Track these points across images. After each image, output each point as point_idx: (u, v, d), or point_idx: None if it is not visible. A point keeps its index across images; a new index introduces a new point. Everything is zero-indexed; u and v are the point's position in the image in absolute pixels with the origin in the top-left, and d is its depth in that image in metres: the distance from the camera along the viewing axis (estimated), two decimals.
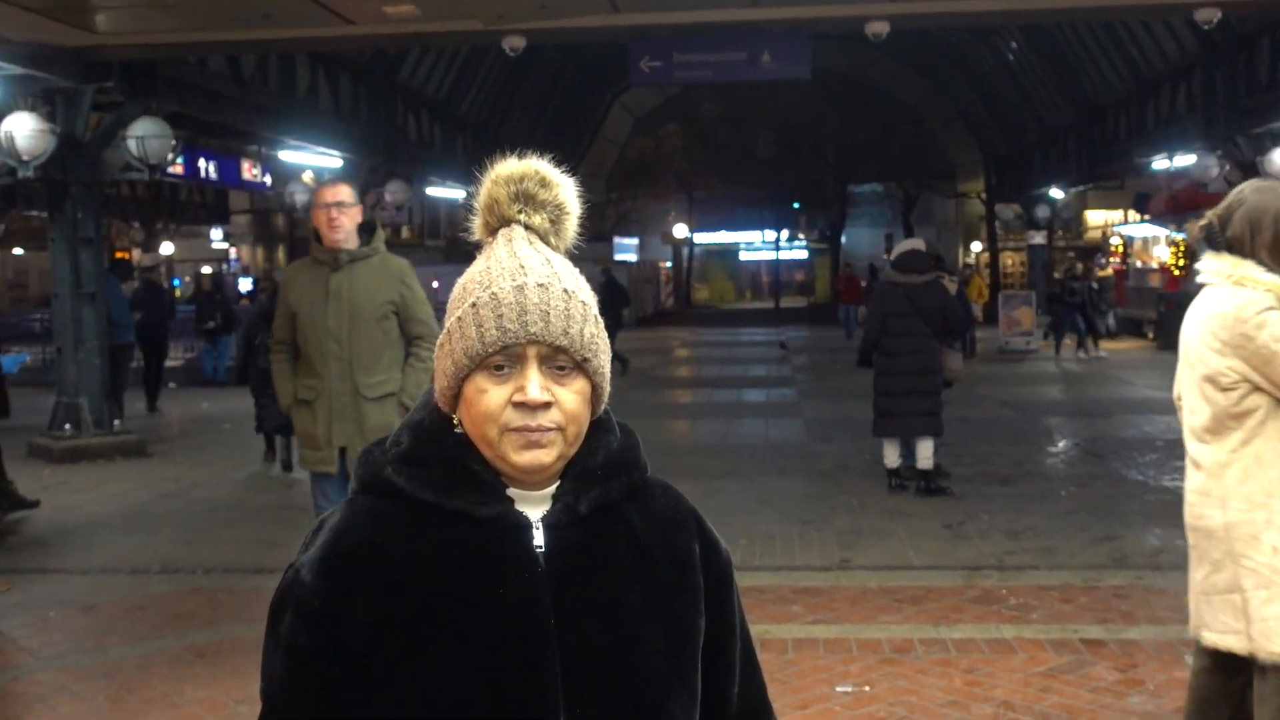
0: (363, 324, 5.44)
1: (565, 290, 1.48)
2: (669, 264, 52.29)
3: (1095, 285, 23.92)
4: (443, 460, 1.50)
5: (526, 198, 1.53)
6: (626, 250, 45.38)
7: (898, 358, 9.65)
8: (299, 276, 5.61)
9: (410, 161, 22.59)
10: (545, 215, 1.54)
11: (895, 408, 9.67)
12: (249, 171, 20.40)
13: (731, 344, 30.58)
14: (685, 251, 56.13)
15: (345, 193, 5.57)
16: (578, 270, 1.55)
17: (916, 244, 9.98)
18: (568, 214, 1.56)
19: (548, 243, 1.54)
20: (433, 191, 25.87)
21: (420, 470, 1.50)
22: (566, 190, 1.55)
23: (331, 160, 19.36)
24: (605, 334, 1.54)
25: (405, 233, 44.68)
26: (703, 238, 59.26)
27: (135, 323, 16.03)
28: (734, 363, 24.56)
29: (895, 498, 9.76)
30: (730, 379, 20.91)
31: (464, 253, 1.58)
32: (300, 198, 20.27)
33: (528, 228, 1.54)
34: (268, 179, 20.98)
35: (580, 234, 1.59)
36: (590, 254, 39.99)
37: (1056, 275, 31.32)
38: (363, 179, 19.95)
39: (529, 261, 1.49)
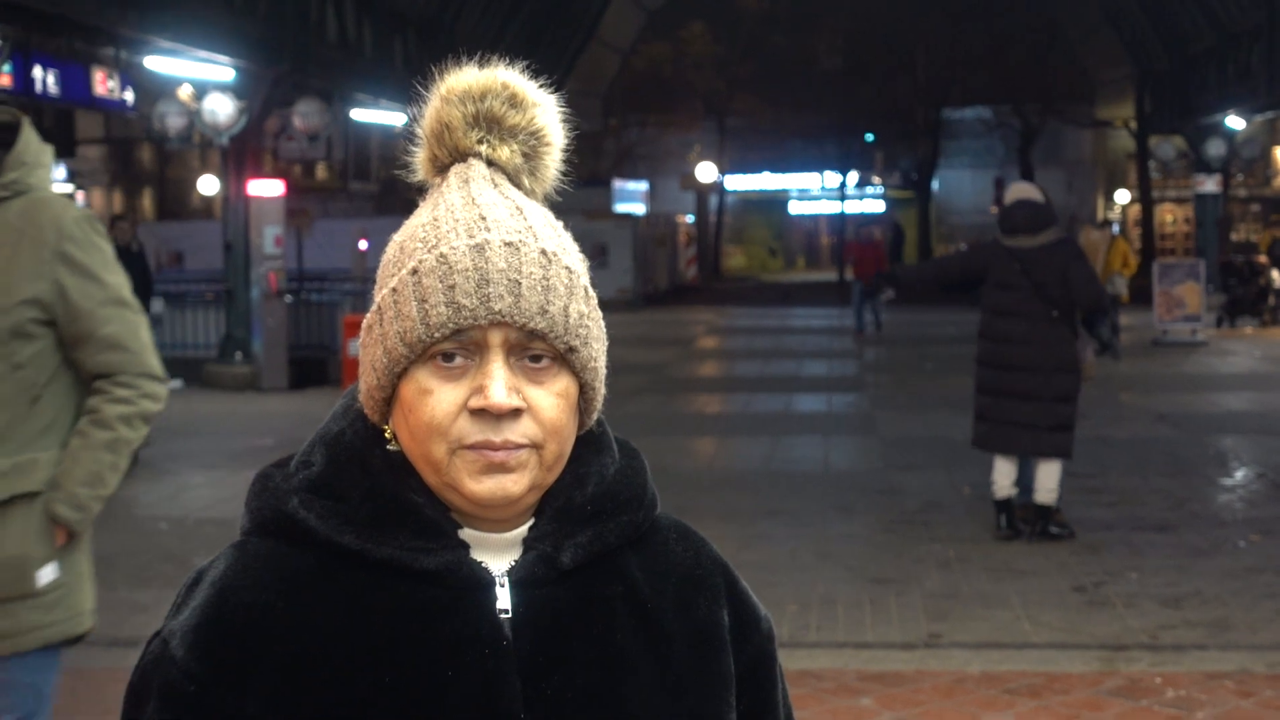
0: None
1: (544, 251, 1.49)
2: (691, 218, 52.28)
3: None
4: (370, 489, 1.51)
5: (490, 122, 1.54)
6: (631, 198, 45.52)
7: (1009, 345, 9.66)
8: None
9: (329, 72, 22.67)
10: (516, 147, 1.55)
11: (1002, 412, 9.67)
12: (103, 85, 20.43)
13: (777, 330, 30.62)
14: (714, 201, 56.19)
15: None
16: (562, 224, 1.55)
17: (1028, 191, 9.97)
18: (548, 145, 1.56)
19: (519, 185, 1.55)
20: (361, 115, 25.93)
21: (338, 503, 1.51)
22: (546, 112, 1.56)
23: (219, 70, 19.43)
24: (599, 314, 1.55)
25: (321, 172, 44.88)
26: (738, 181, 59.38)
27: None
28: (781, 357, 24.59)
29: (1006, 548, 9.76)
30: (776, 380, 20.94)
31: (404, 200, 1.58)
32: (175, 122, 20.33)
33: (491, 164, 1.54)
34: (129, 95, 21.01)
35: (566, 175, 1.59)
36: (579, 203, 40.17)
37: (1235, 238, 31.32)
38: (261, 96, 20.02)
39: (493, 211, 1.50)
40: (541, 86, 1.57)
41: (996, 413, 9.73)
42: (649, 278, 41.24)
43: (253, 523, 1.55)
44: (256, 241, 20.00)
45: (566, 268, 1.50)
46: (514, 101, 1.54)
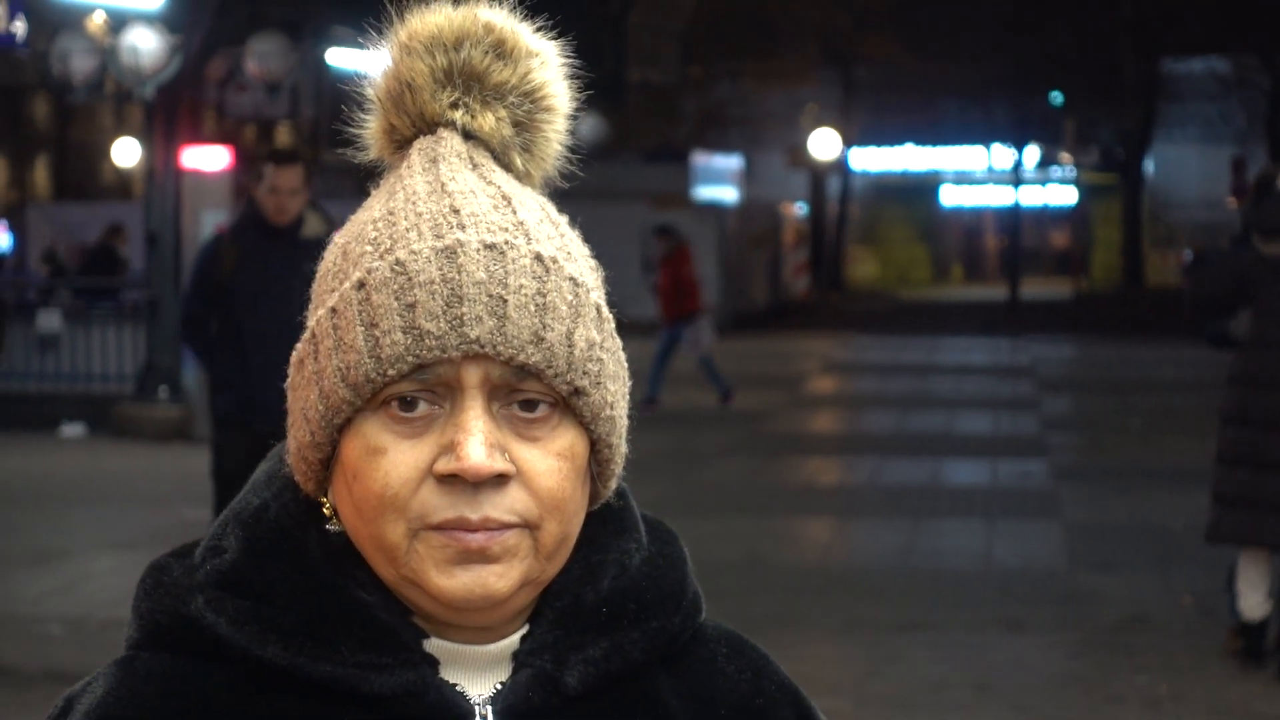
0: None
1: (538, 257, 1.50)
2: (803, 209, 52.28)
3: None
4: (301, 584, 1.53)
5: (468, 79, 1.56)
6: (718, 179, 45.48)
7: (1272, 392, 9.62)
8: None
9: None
10: (504, 113, 1.57)
11: (1262, 490, 9.59)
12: None
13: (922, 369, 30.51)
14: (836, 185, 56.15)
15: None
16: (566, 220, 1.57)
17: None
18: (548, 111, 1.58)
19: (508, 165, 1.57)
20: (339, 57, 26.08)
21: (259, 603, 1.53)
22: (546, 65, 1.58)
23: None
24: (618, 342, 1.56)
25: (283, 135, 45.12)
26: (870, 158, 59.36)
27: None
28: (927, 407, 24.50)
29: (1243, 684, 9.66)
30: (919, 439, 20.87)
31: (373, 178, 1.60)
32: (81, 65, 20.44)
33: (469, 137, 1.56)
34: (18, 27, 21.28)
35: (578, 152, 1.61)
36: (643, 184, 40.37)
37: None
38: (202, 30, 20.16)
39: (470, 202, 1.52)
40: (541, 30, 1.58)
41: (1253, 492, 9.63)
42: (741, 291, 41.28)
43: (143, 631, 1.57)
44: (191, 231, 20.12)
45: (571, 279, 1.51)
46: (501, 51, 1.56)
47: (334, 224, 9.55)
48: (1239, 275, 9.96)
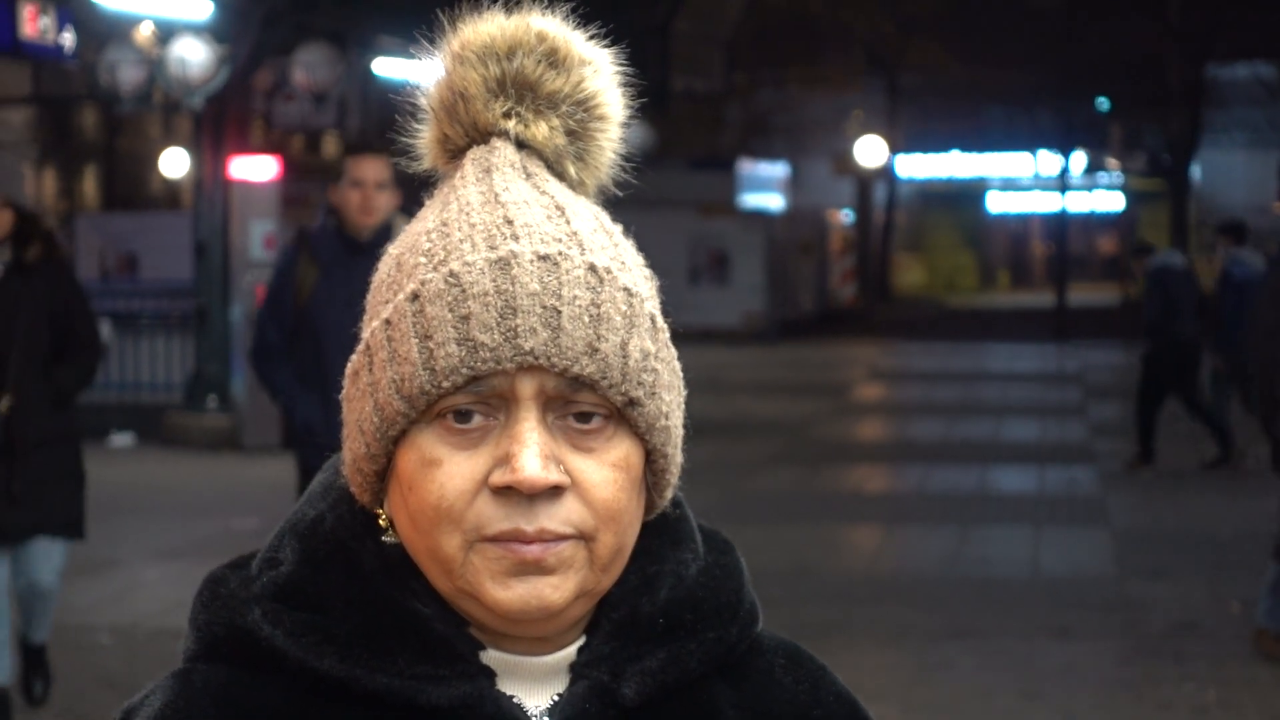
0: None
1: (592, 268, 1.51)
2: (849, 216, 52.25)
3: None
4: (358, 596, 1.53)
5: (521, 88, 1.56)
6: (764, 187, 45.50)
7: None
8: None
9: (343, 9, 22.87)
10: (557, 122, 1.57)
11: None
12: (31, 24, 20.79)
13: (970, 376, 30.44)
14: (882, 192, 56.06)
15: None
16: (620, 229, 1.57)
17: None
18: (601, 119, 1.59)
19: (562, 175, 1.58)
20: (386, 67, 26.12)
21: (316, 615, 1.53)
22: (599, 73, 1.58)
23: (191, 4, 19.62)
24: (672, 352, 1.57)
25: (331, 145, 45.24)
26: (916, 165, 59.23)
27: None
28: (974, 414, 24.45)
29: None
30: (966, 447, 20.84)
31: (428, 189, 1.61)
32: (130, 75, 20.50)
33: (523, 146, 1.57)
34: (67, 38, 21.37)
35: (631, 160, 1.61)
36: (690, 192, 40.35)
37: None
38: (250, 41, 20.21)
39: (523, 212, 1.52)
40: (593, 38, 1.59)
41: None
42: (788, 298, 41.28)
43: (200, 643, 1.57)
44: (240, 242, 20.20)
45: (625, 289, 1.51)
46: (554, 59, 1.56)
47: None
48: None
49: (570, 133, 1.57)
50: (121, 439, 20.28)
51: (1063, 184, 53.29)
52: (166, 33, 20.16)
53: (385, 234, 8.04)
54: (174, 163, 39.23)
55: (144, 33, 21.00)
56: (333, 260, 8.43)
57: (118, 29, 21.36)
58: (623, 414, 1.51)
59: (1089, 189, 60.53)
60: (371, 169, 8.36)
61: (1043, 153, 57.85)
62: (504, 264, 1.48)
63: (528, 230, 1.50)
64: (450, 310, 1.47)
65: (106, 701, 9.32)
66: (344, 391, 1.57)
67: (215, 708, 1.52)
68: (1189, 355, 17.88)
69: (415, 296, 1.50)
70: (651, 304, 1.54)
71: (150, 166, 43.21)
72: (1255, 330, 10.07)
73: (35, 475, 8.53)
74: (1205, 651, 10.55)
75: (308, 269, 8.53)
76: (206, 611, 1.57)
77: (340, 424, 1.57)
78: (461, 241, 1.50)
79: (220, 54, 19.77)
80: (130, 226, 32.73)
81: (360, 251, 8.17)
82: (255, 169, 20.50)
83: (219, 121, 20.35)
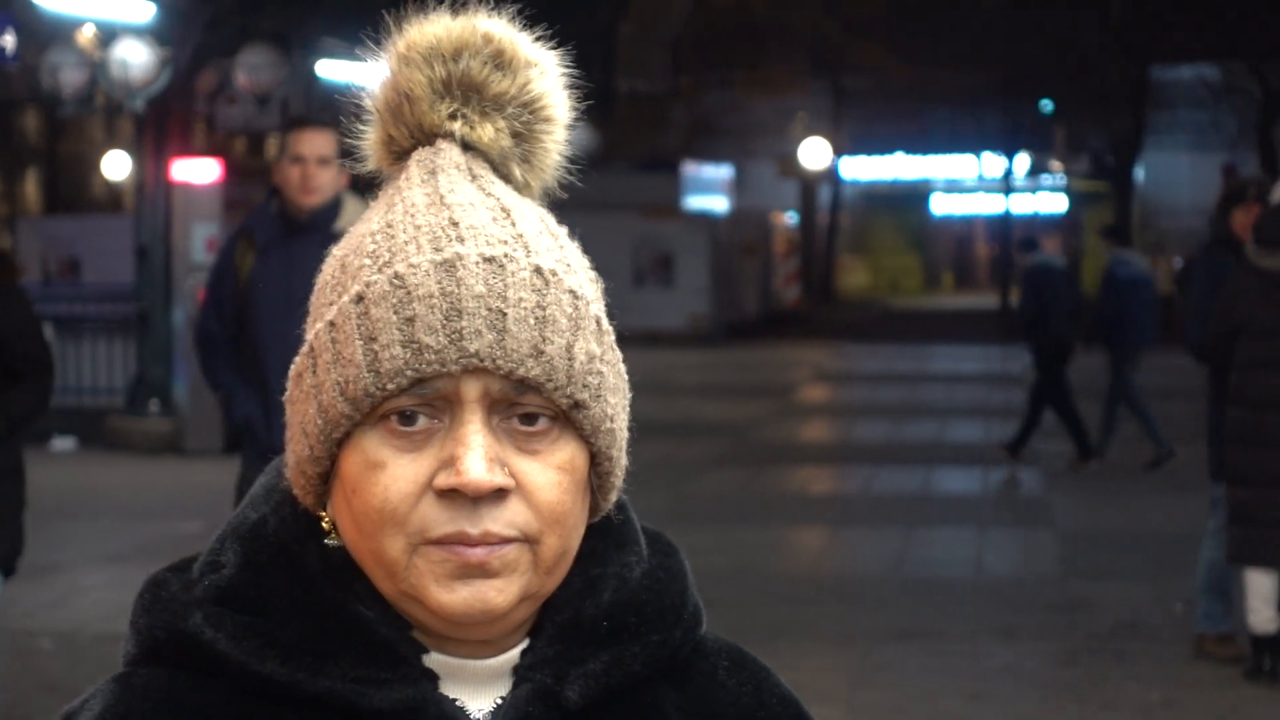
0: None
1: (538, 270, 1.50)
2: (793, 218, 52.34)
3: None
4: (301, 599, 1.53)
5: (467, 90, 1.56)
6: (708, 189, 45.60)
7: (1275, 414, 9.62)
8: None
9: (286, 10, 22.80)
10: (503, 124, 1.57)
11: (1272, 508, 9.61)
12: None
13: (914, 377, 30.53)
14: (826, 194, 56.18)
15: None
16: (566, 231, 1.57)
17: None
18: (547, 121, 1.58)
19: (508, 177, 1.57)
20: (330, 69, 26.06)
21: (258, 618, 1.53)
22: (545, 75, 1.58)
23: (133, 6, 19.55)
24: (617, 355, 1.56)
25: (274, 148, 45.11)
26: (860, 167, 59.37)
27: None
28: (918, 416, 24.51)
29: (1237, 689, 9.68)
30: (910, 448, 20.88)
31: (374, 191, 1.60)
32: (71, 78, 20.42)
33: (468, 148, 1.57)
34: (8, 40, 21.27)
35: (576, 162, 1.61)
36: (634, 194, 40.27)
37: None
38: (192, 43, 20.14)
39: (469, 214, 1.52)
40: (539, 40, 1.59)
41: (1266, 509, 9.61)
42: (733, 300, 41.33)
43: (141, 647, 1.56)
44: (182, 245, 20.14)
45: (571, 291, 1.51)
46: (500, 61, 1.56)
47: None
48: (1235, 288, 9.86)
49: (516, 135, 1.57)
50: (63, 443, 20.18)
51: (1007, 186, 53.68)
52: (108, 35, 20.10)
53: (330, 213, 7.77)
54: (116, 165, 39.15)
55: (86, 35, 20.95)
56: (269, 242, 7.92)
57: (59, 31, 21.31)
58: (568, 416, 1.51)
59: (1033, 191, 60.73)
60: (312, 143, 7.75)
61: (987, 155, 58.19)
62: (449, 266, 1.48)
63: (473, 232, 1.50)
64: (395, 312, 1.47)
65: (48, 707, 9.27)
66: (287, 393, 1.56)
67: (156, 712, 1.52)
68: (1059, 353, 18.50)
69: (360, 298, 1.49)
70: (597, 306, 1.54)
71: (92, 169, 43.09)
72: (1192, 320, 10.11)
73: None
74: (1149, 651, 10.60)
75: (245, 254, 8.04)
76: (148, 615, 1.56)
77: (282, 426, 1.56)
78: (407, 243, 1.50)
79: (162, 56, 19.71)
80: (72, 230, 32.58)
81: (299, 231, 7.75)
82: (197, 172, 20.45)
83: (161, 124, 20.29)
